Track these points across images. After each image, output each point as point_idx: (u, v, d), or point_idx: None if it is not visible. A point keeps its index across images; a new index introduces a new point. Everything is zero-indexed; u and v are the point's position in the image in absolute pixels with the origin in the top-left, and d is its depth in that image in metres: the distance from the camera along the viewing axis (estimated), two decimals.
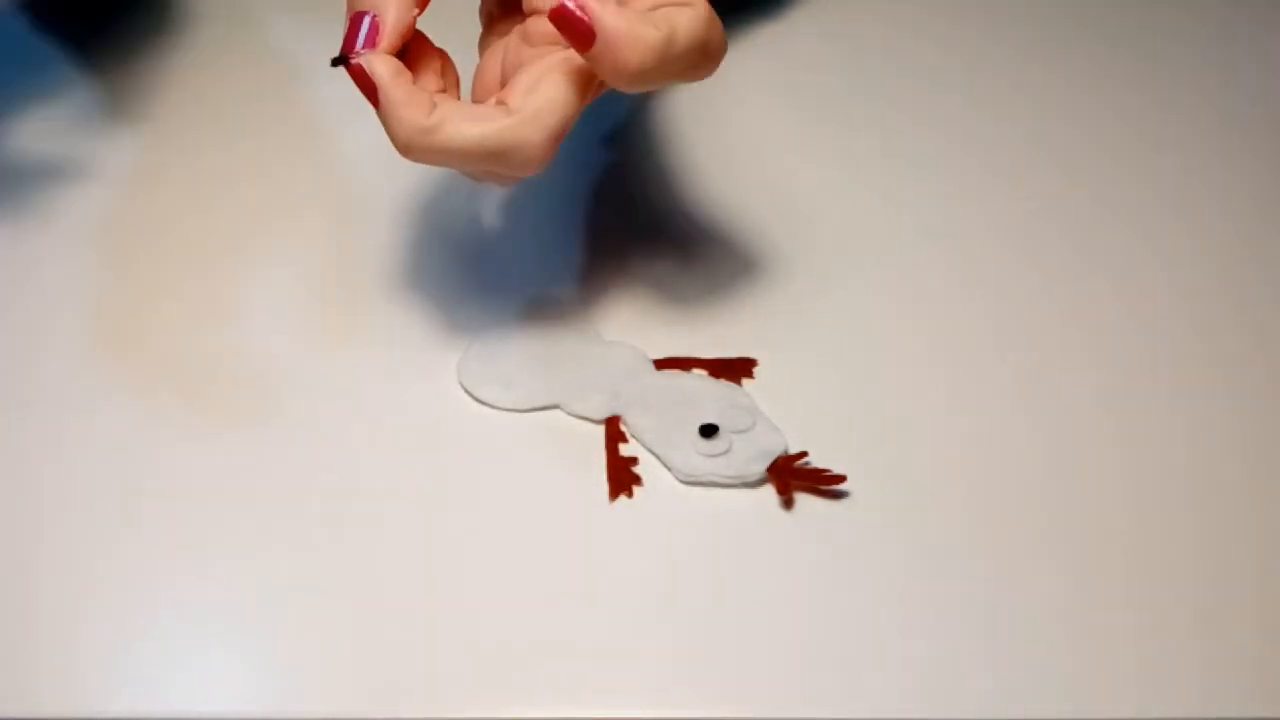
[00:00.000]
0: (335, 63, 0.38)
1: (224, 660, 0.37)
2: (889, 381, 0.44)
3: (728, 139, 0.53)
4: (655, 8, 0.38)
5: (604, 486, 0.41)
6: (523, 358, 0.44)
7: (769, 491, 0.41)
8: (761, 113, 0.54)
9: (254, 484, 0.41)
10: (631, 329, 0.45)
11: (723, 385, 0.43)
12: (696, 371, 0.44)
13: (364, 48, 0.38)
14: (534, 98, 0.38)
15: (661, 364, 0.44)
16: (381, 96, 0.38)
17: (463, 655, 0.37)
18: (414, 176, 0.50)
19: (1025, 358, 0.45)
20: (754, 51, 0.57)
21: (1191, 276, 0.48)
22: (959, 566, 0.39)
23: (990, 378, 0.44)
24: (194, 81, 0.55)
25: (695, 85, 0.55)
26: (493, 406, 0.43)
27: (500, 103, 0.38)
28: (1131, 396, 0.44)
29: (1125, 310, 0.47)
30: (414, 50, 0.40)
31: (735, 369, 0.44)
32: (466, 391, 0.43)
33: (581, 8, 0.36)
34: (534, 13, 0.40)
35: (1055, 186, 0.51)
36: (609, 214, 0.50)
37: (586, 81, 0.39)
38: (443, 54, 0.41)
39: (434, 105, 0.38)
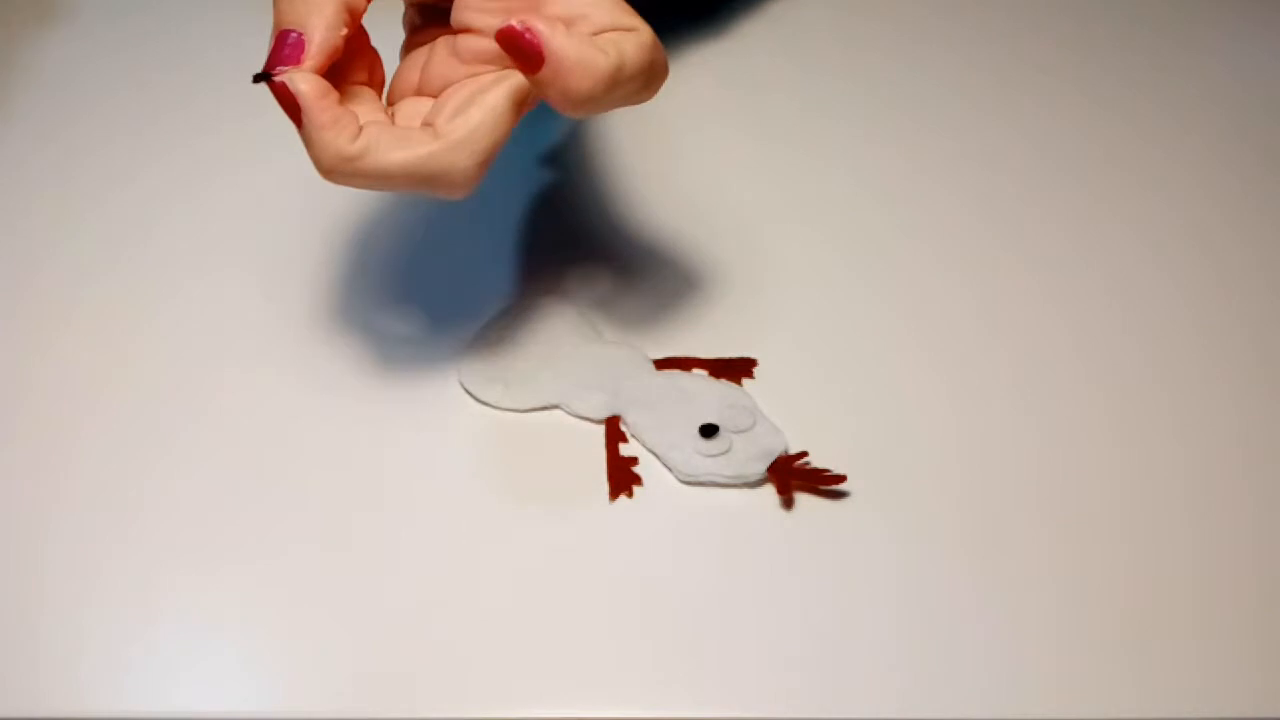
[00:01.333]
0: (258, 79, 0.36)
1: (224, 660, 0.37)
2: (889, 381, 0.44)
3: (728, 136, 0.53)
4: (599, 31, 0.37)
5: (604, 486, 0.41)
6: (523, 358, 0.44)
7: (769, 491, 0.41)
8: (756, 108, 0.55)
9: (254, 484, 0.41)
10: (631, 329, 0.45)
11: (723, 385, 0.43)
12: (696, 371, 0.44)
13: (287, 65, 0.36)
14: (463, 120, 0.37)
15: (661, 364, 0.44)
16: (305, 118, 0.36)
17: (463, 655, 0.37)
18: None
19: (1025, 357, 0.45)
20: (750, 42, 0.58)
21: (1192, 275, 0.48)
22: (958, 566, 0.39)
23: (989, 378, 0.44)
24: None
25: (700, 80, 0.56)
26: (493, 406, 0.43)
27: (427, 123, 0.38)
28: (1131, 396, 0.44)
29: (1126, 309, 0.47)
30: (349, 45, 0.38)
31: (735, 369, 0.44)
32: (467, 391, 0.43)
33: (530, 30, 0.35)
34: (464, 30, 0.39)
35: (1053, 186, 0.51)
36: (608, 213, 0.50)
37: (518, 103, 0.38)
38: (374, 54, 0.40)
39: (359, 129, 0.37)
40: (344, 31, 0.37)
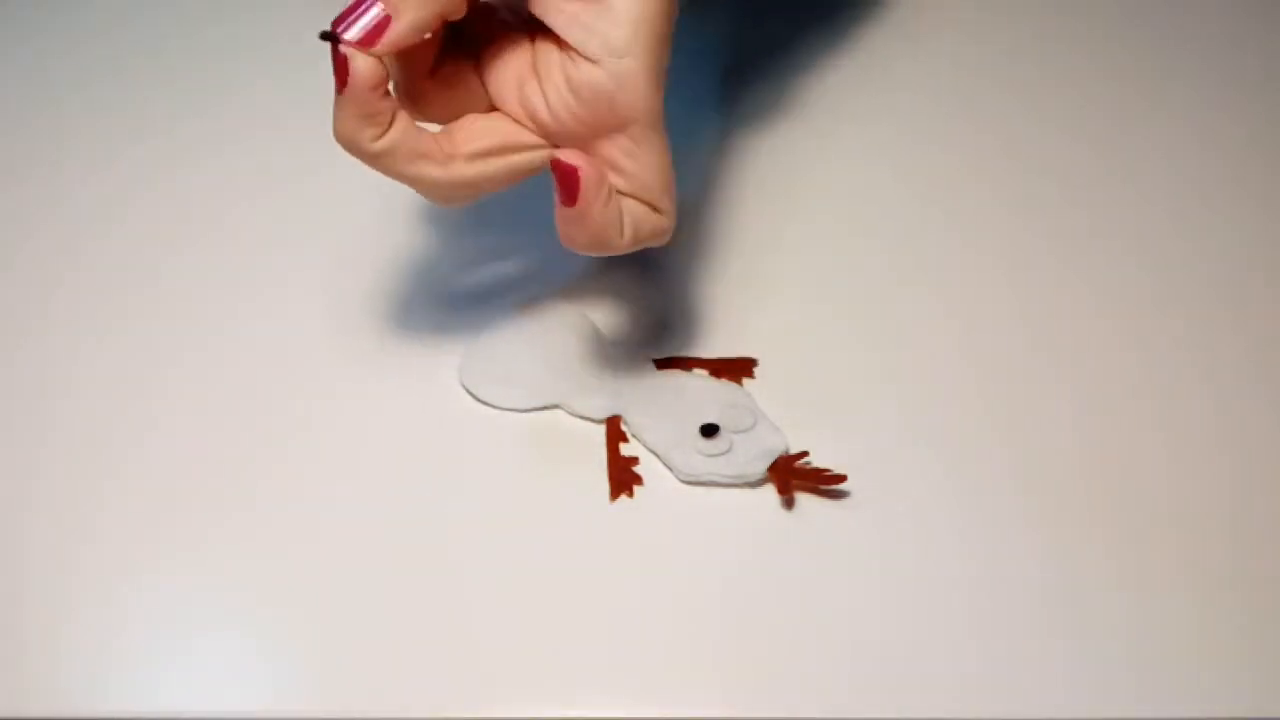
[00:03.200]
0: (325, 36, 0.36)
1: (221, 660, 0.37)
2: (889, 381, 0.44)
3: (726, 132, 0.53)
4: (633, 194, 0.38)
5: (604, 486, 0.41)
6: (523, 358, 0.44)
7: (769, 491, 0.41)
8: (754, 98, 0.54)
9: (253, 483, 0.41)
10: (631, 329, 0.45)
11: (723, 385, 0.43)
12: (696, 371, 0.44)
13: (359, 42, 0.35)
14: (479, 167, 0.38)
15: (661, 364, 0.44)
16: (348, 95, 0.36)
17: (463, 655, 0.37)
18: None
19: (1025, 358, 0.45)
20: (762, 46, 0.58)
21: (1190, 275, 0.48)
22: (958, 566, 0.39)
23: (990, 377, 0.44)
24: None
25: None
26: (494, 406, 0.43)
27: (449, 139, 0.38)
28: (1133, 398, 0.44)
29: (1129, 309, 0.47)
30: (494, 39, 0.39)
31: (735, 369, 0.44)
32: (468, 391, 0.43)
33: (580, 179, 0.36)
34: (544, 39, 0.38)
35: (1051, 184, 0.51)
36: None
37: (533, 171, 0.39)
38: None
39: (391, 123, 0.36)
40: (427, 35, 0.36)
